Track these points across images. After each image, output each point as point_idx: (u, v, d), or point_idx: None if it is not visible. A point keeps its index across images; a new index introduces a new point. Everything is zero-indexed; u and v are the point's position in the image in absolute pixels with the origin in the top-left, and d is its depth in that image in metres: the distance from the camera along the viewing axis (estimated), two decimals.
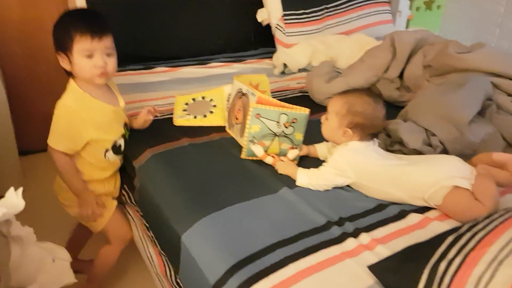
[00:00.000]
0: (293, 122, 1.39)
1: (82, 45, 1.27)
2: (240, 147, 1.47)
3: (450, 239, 0.96)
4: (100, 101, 1.36)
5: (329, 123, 1.36)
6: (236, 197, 1.24)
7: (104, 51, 1.31)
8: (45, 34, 2.30)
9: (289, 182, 1.32)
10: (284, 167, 1.36)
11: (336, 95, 1.40)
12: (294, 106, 1.41)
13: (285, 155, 1.40)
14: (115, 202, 1.47)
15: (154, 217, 1.31)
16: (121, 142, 1.44)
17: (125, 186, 1.53)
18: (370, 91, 1.48)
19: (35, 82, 2.42)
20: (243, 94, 1.49)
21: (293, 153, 1.40)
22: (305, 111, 1.40)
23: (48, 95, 2.45)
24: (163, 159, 1.40)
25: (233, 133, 1.56)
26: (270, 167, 1.39)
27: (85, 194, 1.37)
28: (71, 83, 1.35)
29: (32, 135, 2.50)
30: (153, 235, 1.34)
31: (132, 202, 1.50)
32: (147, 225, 1.38)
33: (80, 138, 1.33)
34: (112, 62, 1.34)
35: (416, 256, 0.96)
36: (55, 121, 1.32)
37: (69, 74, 1.35)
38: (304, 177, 1.32)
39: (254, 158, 1.42)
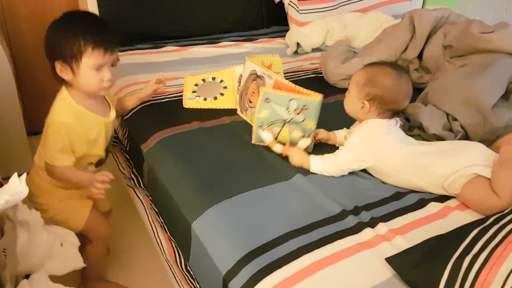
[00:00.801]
0: (304, 109, 1.29)
1: (93, 60, 1.17)
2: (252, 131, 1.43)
3: (474, 232, 0.90)
4: (94, 114, 1.27)
5: (350, 96, 1.29)
6: (248, 184, 1.19)
7: (111, 63, 1.23)
8: (54, 11, 2.28)
9: (303, 168, 1.27)
10: (296, 157, 1.28)
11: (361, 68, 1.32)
12: (308, 91, 1.31)
13: (296, 144, 1.32)
14: (90, 202, 1.40)
15: (164, 203, 1.27)
16: (104, 155, 1.37)
17: (134, 170, 1.49)
18: (397, 64, 1.38)
19: (44, 62, 2.36)
20: (258, 76, 1.43)
21: (304, 143, 1.31)
22: (318, 97, 1.28)
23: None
24: (172, 143, 1.36)
25: (246, 117, 1.50)
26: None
27: (89, 180, 1.27)
28: (64, 93, 1.24)
29: (41, 116, 2.47)
30: (162, 220, 1.31)
31: (141, 186, 1.46)
32: (157, 210, 1.35)
33: (74, 153, 1.26)
34: (116, 72, 1.26)
35: (438, 249, 0.92)
36: (54, 139, 1.21)
37: (62, 82, 1.24)
38: (318, 163, 1.26)
39: (265, 144, 1.36)
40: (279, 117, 1.30)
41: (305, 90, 1.32)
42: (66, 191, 1.35)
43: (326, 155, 1.28)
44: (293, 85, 1.34)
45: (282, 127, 1.31)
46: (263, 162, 1.30)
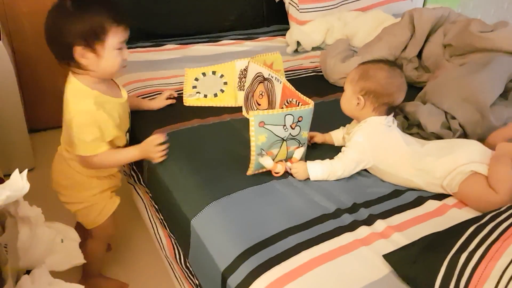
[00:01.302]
0: (299, 121, 1.23)
1: (118, 38, 1.13)
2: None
3: (471, 229, 0.91)
4: (109, 97, 1.23)
5: (345, 94, 1.30)
6: (246, 181, 1.21)
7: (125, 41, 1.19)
8: None
9: None
10: (300, 173, 1.24)
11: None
12: (302, 97, 1.27)
13: (291, 157, 1.29)
14: (118, 200, 1.39)
15: (164, 200, 1.28)
16: (128, 136, 1.36)
17: (134, 167, 1.50)
18: (390, 60, 1.39)
19: (45, 59, 2.38)
20: (265, 79, 1.44)
21: (299, 152, 1.28)
22: (309, 105, 1.23)
23: (59, 72, 2.42)
24: (173, 140, 1.36)
25: None
26: None
27: (142, 149, 1.26)
28: (74, 82, 1.18)
29: (42, 113, 2.49)
30: (162, 217, 1.32)
31: (141, 183, 1.47)
32: (157, 207, 1.36)
33: (105, 138, 1.22)
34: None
35: (435, 246, 0.92)
36: (81, 130, 1.17)
37: (70, 69, 1.18)
38: (318, 172, 1.23)
39: (262, 171, 1.27)
40: (277, 138, 1.22)
41: (301, 97, 1.28)
42: (100, 181, 1.33)
43: (326, 163, 1.24)
44: (298, 93, 1.30)
45: (281, 146, 1.24)
46: None
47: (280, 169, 1.25)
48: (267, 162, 1.22)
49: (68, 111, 1.19)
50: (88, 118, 1.16)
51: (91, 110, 1.16)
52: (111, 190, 1.39)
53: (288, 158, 1.28)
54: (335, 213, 1.13)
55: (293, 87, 1.32)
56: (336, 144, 1.40)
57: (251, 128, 1.17)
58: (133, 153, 1.27)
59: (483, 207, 1.13)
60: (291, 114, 1.21)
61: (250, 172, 1.25)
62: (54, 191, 1.39)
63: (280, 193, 1.18)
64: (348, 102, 1.29)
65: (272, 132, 1.20)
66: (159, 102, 1.55)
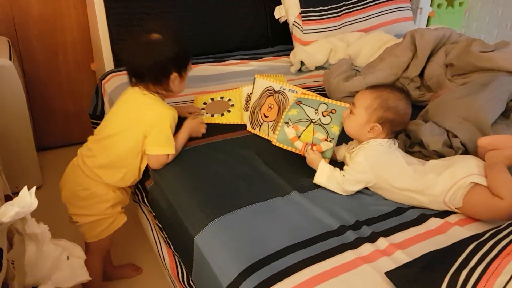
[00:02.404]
0: (332, 113, 1.37)
1: (189, 68, 1.44)
2: (254, 145, 1.48)
3: (471, 247, 0.92)
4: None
5: (356, 118, 1.30)
6: (249, 198, 1.22)
7: None
8: (64, 30, 2.36)
9: (298, 185, 1.29)
10: (310, 157, 1.33)
11: (365, 89, 1.34)
12: (337, 101, 1.42)
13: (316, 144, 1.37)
14: (125, 218, 1.46)
15: (167, 218, 1.30)
16: None
17: (139, 186, 1.53)
18: (402, 87, 1.43)
19: (54, 79, 2.45)
20: (276, 92, 1.49)
21: (325, 145, 1.36)
22: (346, 104, 1.37)
23: (68, 91, 2.50)
24: (177, 160, 1.39)
25: (260, 132, 1.55)
26: (281, 169, 1.36)
27: (189, 129, 1.46)
28: (151, 95, 1.38)
29: (50, 132, 2.54)
30: (166, 235, 1.33)
31: (144, 203, 1.49)
32: (160, 225, 1.37)
33: None
34: None
35: (436, 263, 0.93)
36: (168, 131, 1.36)
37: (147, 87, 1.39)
38: (324, 178, 1.28)
39: (284, 147, 1.41)
40: (306, 116, 1.38)
41: (333, 100, 1.42)
42: (114, 193, 1.41)
43: (336, 172, 1.28)
44: (321, 96, 1.43)
45: (307, 126, 1.37)
46: (261, 177, 1.33)
47: (297, 145, 1.35)
48: (289, 131, 1.37)
49: (153, 117, 1.35)
50: (172, 120, 1.38)
51: (173, 113, 1.39)
52: (121, 205, 1.45)
53: (313, 144, 1.36)
54: (338, 230, 1.13)
55: (314, 93, 1.44)
56: (338, 160, 1.42)
57: (290, 103, 1.40)
58: (185, 135, 1.45)
59: (492, 216, 1.13)
60: (325, 104, 1.39)
61: (274, 141, 1.41)
62: (63, 204, 1.43)
63: (282, 210, 1.20)
64: (359, 127, 1.29)
65: (304, 110, 1.39)
66: (183, 110, 1.62)
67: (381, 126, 1.27)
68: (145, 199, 1.47)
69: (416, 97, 1.82)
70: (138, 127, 1.34)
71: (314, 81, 2.07)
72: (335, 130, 1.36)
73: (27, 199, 0.95)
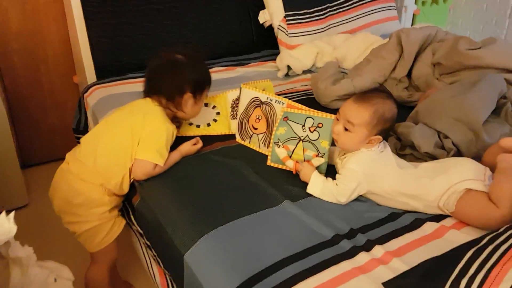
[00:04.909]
0: (319, 127, 1.34)
1: (206, 93, 1.49)
2: (244, 155, 1.44)
3: (469, 253, 0.89)
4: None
5: (355, 136, 1.23)
6: (240, 210, 1.18)
7: None
8: (45, 44, 2.31)
9: (290, 195, 1.26)
10: (303, 172, 1.29)
11: (357, 103, 1.24)
12: (323, 112, 1.37)
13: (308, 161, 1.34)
14: (124, 221, 1.43)
15: (155, 235, 1.25)
16: None
17: (125, 203, 1.48)
18: (385, 90, 1.40)
19: (37, 94, 2.40)
20: (263, 103, 1.46)
21: (317, 161, 1.33)
22: (331, 117, 1.33)
23: (51, 106, 2.45)
24: (164, 173, 1.36)
25: (251, 144, 1.52)
26: (272, 178, 1.33)
27: (182, 152, 1.43)
28: (160, 108, 1.41)
29: (36, 147, 2.48)
30: (155, 254, 1.29)
31: (131, 220, 1.45)
32: (148, 243, 1.33)
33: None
34: None
35: (434, 272, 0.90)
36: (162, 140, 1.35)
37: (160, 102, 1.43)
38: (317, 189, 1.25)
39: (279, 166, 1.38)
40: (294, 134, 1.35)
41: (319, 112, 1.37)
42: (110, 197, 1.37)
43: (328, 183, 1.25)
44: (306, 108, 1.39)
45: (297, 145, 1.34)
46: (251, 188, 1.29)
47: (289, 164, 1.33)
48: (280, 152, 1.35)
49: (151, 125, 1.36)
50: (169, 133, 1.37)
51: (173, 129, 1.40)
52: (118, 209, 1.42)
53: (306, 160, 1.34)
54: (333, 240, 1.10)
55: (305, 107, 1.39)
56: (330, 162, 1.39)
57: (277, 120, 1.39)
58: (177, 155, 1.42)
59: (483, 224, 1.11)
60: (312, 118, 1.36)
61: (269, 162, 1.40)
62: (51, 221, 1.38)
63: (275, 222, 1.16)
64: (360, 143, 1.24)
65: (291, 128, 1.36)
66: (187, 148, 1.49)
67: (378, 136, 1.24)
68: (132, 217, 1.43)
69: (404, 98, 1.80)
70: (136, 130, 1.35)
71: (302, 85, 2.04)
72: (325, 145, 1.32)
73: (5, 225, 0.91)
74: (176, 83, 1.40)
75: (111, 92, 1.88)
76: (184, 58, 1.44)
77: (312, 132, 1.33)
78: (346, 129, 1.24)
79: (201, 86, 1.45)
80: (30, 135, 2.45)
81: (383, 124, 1.24)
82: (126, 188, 1.38)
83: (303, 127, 1.35)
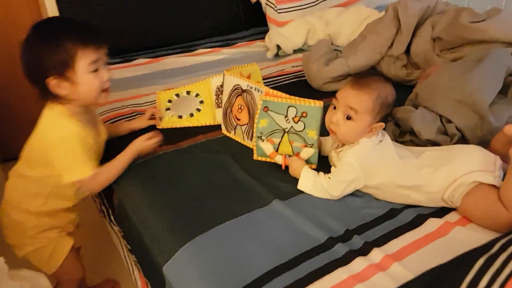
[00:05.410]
0: (303, 117, 1.20)
1: (88, 59, 1.06)
2: (230, 149, 1.33)
3: (480, 261, 0.79)
4: (89, 130, 1.14)
5: (359, 124, 1.11)
6: (223, 214, 1.07)
7: (105, 61, 1.13)
8: (18, 31, 2.15)
9: (279, 193, 1.15)
10: (295, 168, 1.19)
11: (356, 89, 1.11)
12: (306, 99, 1.21)
13: (298, 154, 1.23)
14: (71, 241, 1.27)
15: (134, 241, 1.15)
16: None
17: (104, 201, 1.37)
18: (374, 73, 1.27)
19: (16, 88, 2.26)
20: (244, 91, 1.32)
21: (306, 152, 1.21)
22: (317, 103, 1.19)
23: (30, 96, 2.29)
24: (142, 171, 1.24)
25: (236, 136, 1.39)
26: (260, 175, 1.22)
27: (134, 149, 1.21)
28: (56, 109, 1.10)
29: (16, 140, 2.35)
30: (135, 259, 1.19)
31: (111, 220, 1.34)
32: (129, 247, 1.23)
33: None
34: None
35: (441, 283, 0.80)
36: (70, 154, 1.09)
37: (52, 100, 1.10)
38: (308, 185, 1.15)
39: (266, 160, 1.27)
40: (278, 126, 1.22)
41: (302, 99, 1.22)
42: (38, 220, 1.20)
43: (320, 177, 1.15)
44: (286, 95, 1.24)
45: (282, 137, 1.22)
46: (238, 186, 1.18)
47: (278, 159, 1.22)
48: (266, 147, 1.23)
49: (43, 141, 1.11)
50: (74, 139, 1.08)
51: (77, 131, 1.09)
52: (58, 230, 1.25)
53: (296, 153, 1.22)
54: (326, 244, 1.00)
55: (286, 94, 1.24)
56: (323, 153, 1.28)
57: (257, 111, 1.23)
58: (127, 156, 1.20)
59: (491, 225, 1.01)
60: (294, 107, 1.21)
61: (255, 156, 1.28)
62: None
63: (263, 225, 1.06)
64: (362, 131, 1.12)
65: (274, 120, 1.22)
66: (141, 122, 1.42)
67: (383, 124, 1.13)
68: (112, 217, 1.32)
69: (403, 77, 1.68)
70: (43, 151, 1.11)
71: (293, 66, 1.91)
72: (312, 135, 1.20)
73: None
74: (28, 70, 1.08)
75: None
76: (32, 28, 1.08)
77: (296, 123, 1.20)
78: (348, 118, 1.12)
79: (63, 60, 1.05)
80: (9, 127, 2.33)
81: (386, 110, 1.13)
82: (57, 206, 1.21)
83: (286, 118, 1.21)
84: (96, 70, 1.09)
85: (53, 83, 1.06)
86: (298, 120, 1.20)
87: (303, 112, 1.20)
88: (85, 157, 1.10)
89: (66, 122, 1.09)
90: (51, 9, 1.87)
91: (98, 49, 1.09)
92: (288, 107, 1.21)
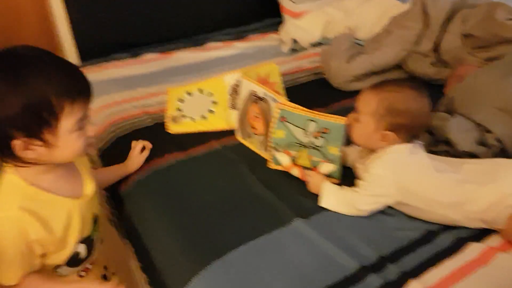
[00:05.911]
0: (324, 133, 1.10)
1: (75, 116, 0.78)
2: (246, 158, 1.24)
3: None
4: (56, 195, 0.84)
5: (363, 126, 1.06)
6: (243, 235, 0.98)
7: (89, 114, 0.84)
8: (22, 25, 2.06)
9: (301, 209, 1.05)
10: (311, 183, 1.10)
11: (367, 89, 1.08)
12: (328, 114, 1.11)
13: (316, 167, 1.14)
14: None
15: (146, 262, 1.06)
16: (82, 248, 0.91)
17: (115, 211, 1.27)
18: (411, 79, 1.16)
19: None
20: (260, 99, 1.22)
21: (326, 167, 1.12)
22: (341, 120, 1.10)
23: None
24: (151, 184, 1.14)
25: (251, 144, 1.30)
26: (279, 188, 1.13)
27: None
28: (8, 177, 0.82)
29: None
30: (148, 279, 1.10)
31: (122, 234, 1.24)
32: (141, 264, 1.13)
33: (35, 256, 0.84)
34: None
35: None
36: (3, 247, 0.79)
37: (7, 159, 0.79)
38: (332, 200, 1.06)
39: (282, 168, 1.17)
40: (295, 139, 1.14)
41: (323, 114, 1.12)
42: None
43: (345, 191, 1.06)
44: (306, 109, 1.13)
45: (300, 150, 1.14)
46: (255, 201, 1.08)
47: (294, 172, 1.14)
48: (282, 159, 1.16)
49: None
50: (9, 229, 0.79)
51: (14, 216, 0.79)
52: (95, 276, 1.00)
53: (313, 167, 1.14)
54: (357, 274, 0.90)
55: (296, 105, 1.14)
56: (347, 164, 1.18)
57: (274, 119, 1.15)
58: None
59: None
60: (314, 121, 1.12)
61: (272, 166, 1.20)
62: None
63: (285, 248, 0.96)
64: (368, 135, 1.06)
65: (291, 132, 1.14)
66: (136, 160, 1.20)
67: (394, 134, 1.03)
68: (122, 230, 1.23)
69: (431, 75, 1.56)
70: None
71: (311, 62, 1.78)
72: (334, 152, 1.11)
73: None
74: None
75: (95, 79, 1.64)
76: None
77: (317, 138, 1.10)
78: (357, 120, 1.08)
79: (40, 118, 0.75)
80: None
81: (393, 117, 1.02)
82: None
83: (305, 132, 1.12)
84: (82, 127, 0.81)
85: (18, 145, 0.76)
86: (319, 136, 1.10)
87: (325, 128, 1.11)
88: (13, 258, 0.80)
89: (7, 202, 0.80)
90: (56, 3, 1.76)
91: (87, 102, 0.81)
92: (307, 121, 1.12)
